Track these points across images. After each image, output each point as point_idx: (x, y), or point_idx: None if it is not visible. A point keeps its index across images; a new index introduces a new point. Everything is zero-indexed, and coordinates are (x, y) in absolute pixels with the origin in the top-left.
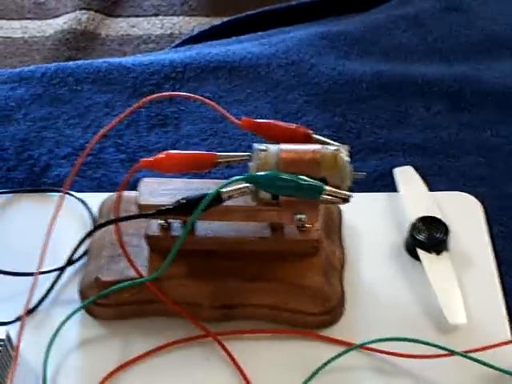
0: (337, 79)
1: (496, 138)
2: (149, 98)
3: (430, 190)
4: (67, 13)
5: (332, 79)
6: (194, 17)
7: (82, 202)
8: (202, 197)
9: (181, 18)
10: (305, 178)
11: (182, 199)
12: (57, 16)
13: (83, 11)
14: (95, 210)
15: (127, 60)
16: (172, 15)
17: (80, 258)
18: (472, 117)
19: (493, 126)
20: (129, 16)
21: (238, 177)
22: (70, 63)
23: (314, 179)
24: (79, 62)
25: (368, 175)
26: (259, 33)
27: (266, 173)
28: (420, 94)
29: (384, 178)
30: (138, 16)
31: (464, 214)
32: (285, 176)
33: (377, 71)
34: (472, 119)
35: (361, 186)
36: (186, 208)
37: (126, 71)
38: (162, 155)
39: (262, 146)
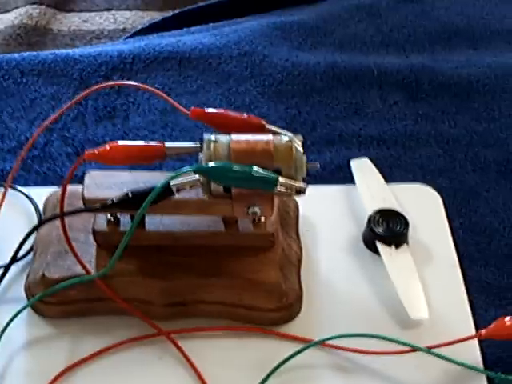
0: (290, 70)
1: (454, 129)
2: (95, 87)
3: (388, 182)
4: (18, 7)
5: (285, 70)
6: (147, 11)
7: (27, 196)
8: (151, 189)
9: (134, 12)
10: (257, 169)
11: (129, 192)
12: (7, 11)
13: (34, 6)
14: (41, 205)
15: (74, 51)
16: (125, 10)
17: (26, 255)
18: (429, 108)
19: (450, 116)
20: (81, 11)
21: (187, 168)
22: (15, 55)
23: (267, 170)
24: (25, 54)
25: (324, 168)
26: (211, 24)
27: (216, 164)
28: (376, 84)
29: (340, 171)
30: (90, 11)
31: (423, 206)
32: (236, 167)
33: (331, 62)
34: (429, 110)
35: (317, 179)
36: (133, 201)
37: (73, 63)
38: (106, 146)
39: (213, 137)
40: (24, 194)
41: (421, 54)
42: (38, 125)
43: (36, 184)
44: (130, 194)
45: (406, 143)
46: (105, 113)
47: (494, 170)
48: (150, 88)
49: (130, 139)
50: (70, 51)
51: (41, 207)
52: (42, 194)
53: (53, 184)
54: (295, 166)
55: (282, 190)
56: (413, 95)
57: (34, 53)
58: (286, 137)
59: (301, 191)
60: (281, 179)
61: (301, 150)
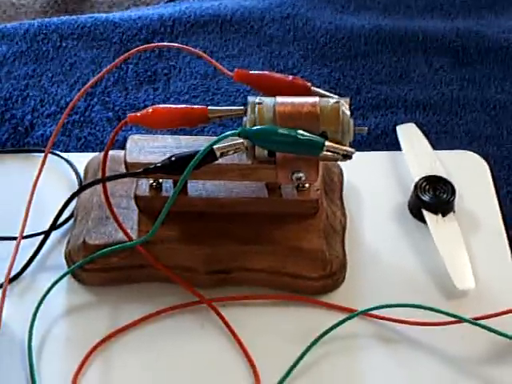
0: (334, 33)
1: (501, 95)
2: (136, 49)
3: (434, 148)
4: None
5: (329, 33)
6: None
7: (68, 162)
8: (194, 154)
9: None
10: (303, 132)
11: (172, 156)
12: None
13: None
14: (82, 170)
15: (114, 15)
16: None
17: (66, 221)
18: (476, 73)
19: (497, 82)
20: None
21: (231, 131)
22: (55, 19)
23: (313, 134)
24: (64, 18)
25: (369, 133)
26: None
27: (261, 127)
28: (421, 49)
29: (386, 136)
30: None
31: (470, 173)
32: (282, 130)
33: (375, 25)
34: (475, 75)
35: (362, 145)
36: (176, 166)
37: (113, 27)
38: (149, 110)
39: (257, 99)
40: (64, 159)
41: (467, 19)
42: (78, 89)
43: (76, 149)
44: (173, 159)
45: (453, 109)
46: (145, 77)
47: None
48: (191, 49)
49: (172, 104)
50: (110, 15)
51: (81, 173)
52: (82, 159)
53: (93, 149)
54: (342, 130)
55: (329, 154)
56: (459, 60)
57: (74, 17)
58: (332, 99)
59: (347, 156)
60: (327, 143)
61: (348, 113)
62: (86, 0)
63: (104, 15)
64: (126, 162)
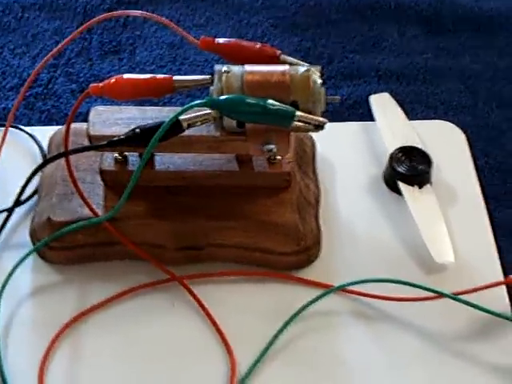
0: (304, 1)
1: (476, 64)
2: (99, 17)
3: (409, 118)
4: None
5: (299, 1)
6: None
7: (30, 135)
8: (159, 125)
9: None
10: (273, 102)
11: (137, 128)
12: None
13: None
14: (46, 144)
15: None
16: None
17: (30, 197)
18: (450, 42)
19: (472, 50)
20: None
21: (198, 101)
22: None
23: (284, 104)
24: None
25: (341, 103)
26: None
27: (229, 96)
28: (393, 17)
29: (359, 107)
30: None
31: (447, 144)
32: (250, 100)
33: None
34: (450, 44)
35: (334, 116)
36: (141, 138)
37: None
38: (112, 80)
39: (225, 68)
40: (27, 132)
41: None
42: (41, 61)
43: (40, 123)
44: (137, 130)
45: (427, 78)
46: (110, 47)
47: None
48: (158, 17)
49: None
50: None
51: (45, 147)
52: (46, 132)
53: (57, 123)
54: (313, 99)
55: (300, 124)
56: (432, 29)
57: None
58: (303, 67)
59: (320, 126)
60: (298, 113)
61: (319, 81)
62: None
63: None
64: (88, 135)
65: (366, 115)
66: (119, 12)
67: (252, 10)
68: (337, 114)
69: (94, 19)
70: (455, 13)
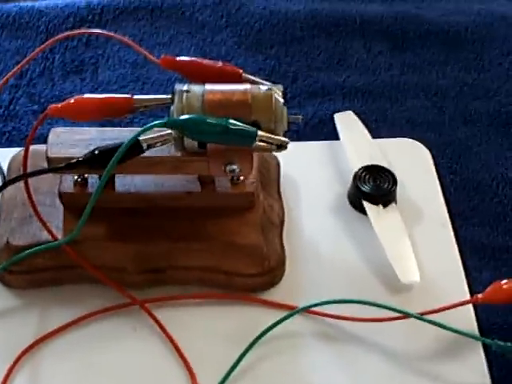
0: (268, 19)
1: (443, 80)
2: (60, 35)
3: (374, 136)
4: None
5: (263, 19)
6: None
7: None
8: (119, 146)
9: None
10: (234, 121)
11: (96, 149)
12: None
13: None
14: (6, 166)
15: (40, 3)
16: None
17: None
18: (416, 58)
19: (438, 67)
20: None
21: (157, 121)
22: None
23: (245, 123)
24: None
25: (306, 122)
26: None
27: (189, 116)
28: (359, 34)
29: (323, 125)
30: None
31: (412, 162)
32: (211, 120)
33: (311, 10)
34: (416, 60)
35: (299, 135)
36: (100, 159)
37: (39, 15)
38: (71, 100)
39: (185, 87)
40: None
41: (405, 2)
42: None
43: (0, 145)
44: (96, 152)
45: (393, 95)
46: (72, 67)
47: (486, 122)
48: (118, 36)
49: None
50: (36, 3)
51: (5, 169)
52: (6, 154)
53: (18, 144)
54: (275, 119)
55: (262, 144)
56: (398, 45)
57: None
58: (264, 86)
59: (282, 146)
60: (260, 133)
61: (281, 100)
62: None
63: (29, 3)
64: (47, 157)
65: (332, 134)
66: (80, 31)
67: (216, 28)
68: (302, 133)
69: (55, 38)
70: (421, 28)
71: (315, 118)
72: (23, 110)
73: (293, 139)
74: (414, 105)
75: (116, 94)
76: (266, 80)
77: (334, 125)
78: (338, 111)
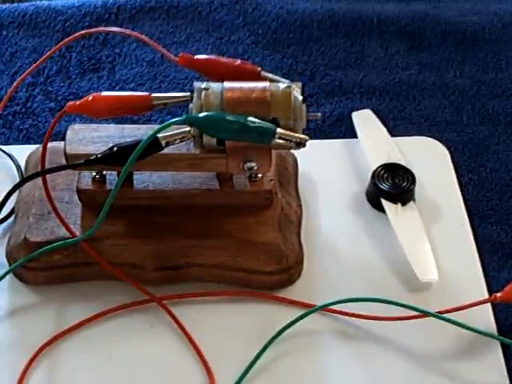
0: (285, 18)
1: (460, 79)
2: (77, 34)
3: (392, 135)
4: None
5: (280, 18)
6: None
7: (8, 154)
8: (137, 143)
9: None
10: (253, 119)
11: (114, 146)
12: None
13: None
14: (23, 163)
15: (57, 2)
16: None
17: (7, 217)
18: (433, 57)
19: (456, 66)
20: None
21: (176, 118)
22: None
23: (264, 121)
24: (3, 6)
25: (323, 120)
26: None
27: (208, 114)
28: (376, 33)
29: (341, 123)
30: None
31: (430, 160)
32: (230, 117)
33: (328, 9)
34: (433, 59)
35: (316, 133)
36: (118, 156)
37: (55, 14)
38: (89, 97)
39: (204, 85)
40: (4, 151)
41: (422, 1)
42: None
43: (18, 142)
44: (115, 149)
45: (410, 94)
46: (89, 65)
47: (504, 121)
48: (136, 34)
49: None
50: (52, 2)
51: (23, 166)
52: (23, 151)
53: (35, 141)
54: (294, 116)
55: (281, 142)
56: (415, 44)
57: (14, 4)
58: (283, 84)
59: (301, 143)
60: (279, 130)
61: (300, 97)
62: None
63: (46, 2)
64: (65, 154)
65: (349, 132)
66: (97, 29)
67: (233, 26)
68: (319, 131)
69: (72, 36)
70: (439, 27)
71: (333, 117)
72: (40, 107)
73: (310, 137)
74: (432, 104)
75: (134, 92)
76: (283, 78)
77: (351, 123)
78: (356, 110)
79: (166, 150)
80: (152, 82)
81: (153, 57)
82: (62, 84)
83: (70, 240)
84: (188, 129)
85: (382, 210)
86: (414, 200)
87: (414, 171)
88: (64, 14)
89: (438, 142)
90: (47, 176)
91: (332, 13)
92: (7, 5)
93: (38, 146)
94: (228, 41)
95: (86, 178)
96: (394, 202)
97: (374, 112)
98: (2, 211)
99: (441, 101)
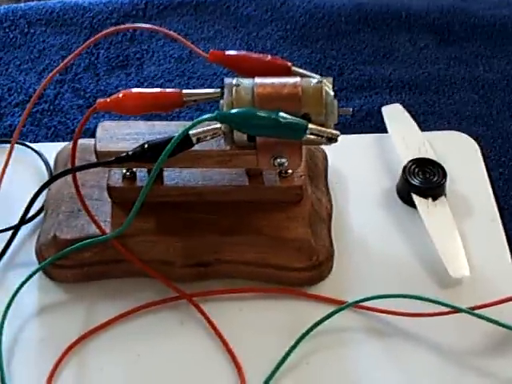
0: (313, 13)
1: (489, 74)
2: (106, 31)
3: (422, 129)
4: None
5: (308, 13)
6: None
7: (37, 152)
8: (168, 140)
9: None
10: (284, 115)
11: (145, 143)
12: None
13: None
14: (52, 161)
15: None
16: None
17: (36, 215)
18: (462, 51)
19: (485, 60)
20: None
21: (207, 115)
22: (21, 5)
23: (295, 116)
24: (31, 3)
25: (353, 115)
26: None
27: (239, 110)
28: (404, 27)
29: (371, 118)
30: None
31: (460, 155)
32: (261, 113)
33: (357, 4)
34: (462, 54)
35: (346, 128)
36: (149, 153)
37: (83, 11)
38: (119, 95)
39: (235, 81)
40: (33, 149)
41: None
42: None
43: (46, 139)
44: (146, 146)
45: (440, 88)
46: (117, 62)
47: None
48: (165, 31)
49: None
50: None
51: (51, 163)
52: (52, 149)
53: (64, 139)
54: (326, 111)
55: (312, 137)
56: (444, 38)
57: (41, 2)
58: (314, 79)
59: (332, 139)
60: (311, 126)
61: (332, 93)
62: None
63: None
64: (96, 151)
65: (379, 127)
66: (126, 26)
67: (261, 22)
68: (348, 126)
69: (101, 33)
70: (467, 21)
71: (362, 111)
72: (68, 104)
73: (340, 132)
74: (461, 98)
75: (162, 88)
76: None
77: (381, 118)
78: (385, 104)
79: (196, 147)
80: (180, 79)
81: (181, 53)
82: (90, 81)
83: (99, 237)
84: (219, 125)
85: (412, 205)
86: (445, 195)
87: (444, 166)
88: (91, 11)
89: (468, 137)
90: (77, 173)
91: (360, 7)
92: (35, 2)
93: (66, 143)
94: (256, 36)
95: (116, 176)
96: (425, 197)
97: (404, 106)
98: (32, 209)
99: (470, 95)
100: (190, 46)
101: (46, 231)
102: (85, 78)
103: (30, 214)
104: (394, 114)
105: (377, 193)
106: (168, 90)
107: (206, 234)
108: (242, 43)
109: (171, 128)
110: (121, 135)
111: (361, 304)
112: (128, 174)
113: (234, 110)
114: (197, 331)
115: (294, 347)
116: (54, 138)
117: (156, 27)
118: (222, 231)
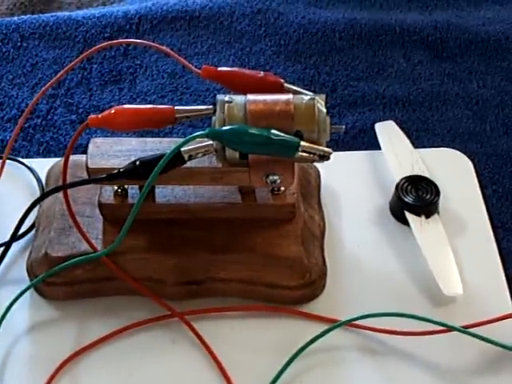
0: (307, 28)
1: (483, 90)
2: (99, 46)
3: (415, 146)
4: None
5: (302, 28)
6: None
7: (29, 168)
8: (160, 157)
9: None
10: (277, 132)
11: (136, 161)
12: None
13: None
14: (44, 177)
15: (77, 13)
16: None
17: (27, 231)
18: (456, 67)
19: (479, 76)
20: None
21: (199, 132)
22: (15, 18)
23: (288, 134)
24: (24, 17)
25: (346, 132)
26: None
27: (231, 127)
28: (398, 43)
29: (364, 135)
30: None
31: (454, 172)
32: (253, 130)
33: (350, 19)
34: (456, 70)
35: (339, 145)
36: (141, 171)
37: (76, 25)
38: (111, 111)
39: (227, 98)
40: (25, 165)
41: (445, 11)
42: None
43: (38, 155)
44: (137, 163)
45: (433, 105)
46: (110, 77)
47: None
48: (158, 46)
49: (138, 104)
50: (73, 13)
51: (43, 179)
52: (44, 165)
53: (56, 155)
54: (318, 129)
55: (304, 155)
56: (438, 54)
57: (35, 15)
58: (307, 96)
59: (325, 156)
60: (303, 143)
61: (324, 110)
62: (53, 1)
63: (67, 13)
64: (87, 168)
65: (372, 144)
66: (120, 40)
67: (254, 37)
68: (341, 143)
69: (94, 48)
70: (461, 37)
71: (355, 128)
72: (61, 119)
73: (333, 149)
74: (455, 114)
75: (155, 104)
76: (306, 90)
77: (374, 134)
78: (378, 121)
79: (188, 164)
80: (173, 94)
81: (174, 68)
82: (82, 96)
83: (91, 255)
84: (211, 142)
85: (405, 222)
86: (438, 212)
87: (437, 183)
88: (85, 25)
89: (461, 154)
90: (68, 190)
91: (354, 23)
92: (28, 16)
93: (58, 159)
94: (249, 51)
95: (108, 192)
96: (418, 214)
97: (397, 123)
98: (23, 225)
99: (464, 111)
100: (183, 61)
101: (37, 248)
102: (77, 92)
103: (21, 231)
104: (388, 131)
105: (370, 210)
106: (160, 106)
107: (198, 251)
108: (235, 58)
109: (163, 145)
110: (112, 152)
111: (354, 322)
112: (119, 190)
113: (225, 128)
114: (189, 350)
115: (286, 366)
116: (46, 153)
117: (149, 42)
118: (215, 249)
